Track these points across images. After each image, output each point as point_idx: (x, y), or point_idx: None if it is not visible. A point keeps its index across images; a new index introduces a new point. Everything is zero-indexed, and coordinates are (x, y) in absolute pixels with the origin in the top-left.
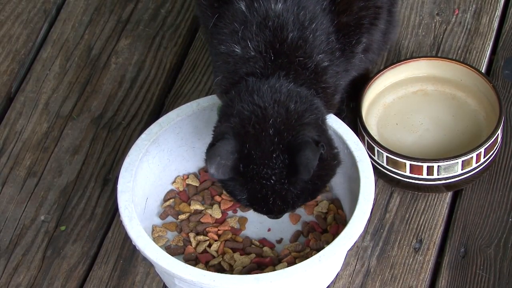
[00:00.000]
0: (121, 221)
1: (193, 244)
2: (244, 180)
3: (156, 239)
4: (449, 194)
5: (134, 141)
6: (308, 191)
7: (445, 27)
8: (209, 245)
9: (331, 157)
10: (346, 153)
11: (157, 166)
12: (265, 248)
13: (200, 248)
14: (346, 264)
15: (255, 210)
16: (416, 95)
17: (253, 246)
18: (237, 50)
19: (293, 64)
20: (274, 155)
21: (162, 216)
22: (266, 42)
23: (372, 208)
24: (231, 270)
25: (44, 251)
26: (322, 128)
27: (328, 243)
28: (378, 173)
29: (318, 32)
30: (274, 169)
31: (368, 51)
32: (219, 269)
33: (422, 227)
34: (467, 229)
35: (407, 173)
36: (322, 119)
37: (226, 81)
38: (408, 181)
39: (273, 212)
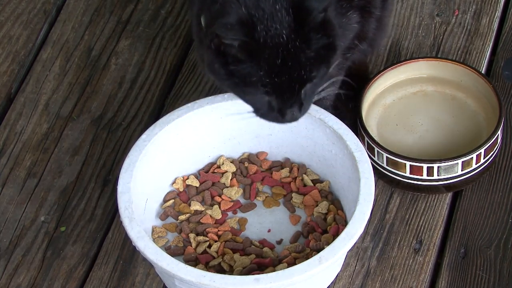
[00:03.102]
0: (121, 222)
1: (193, 244)
2: (257, 47)
3: (156, 240)
4: (449, 195)
5: (134, 141)
6: (322, 55)
7: (445, 28)
8: (209, 246)
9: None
10: (346, 154)
11: (157, 167)
12: (265, 249)
13: (200, 249)
14: (346, 264)
15: (274, 90)
16: (416, 96)
17: (253, 246)
18: None
19: None
20: (278, 7)
21: (162, 216)
22: None
23: (372, 209)
24: (231, 271)
25: (44, 252)
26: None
27: (328, 243)
28: (378, 173)
29: None
30: (282, 23)
31: (364, 39)
32: (219, 269)
33: (422, 228)
34: (467, 230)
35: (407, 174)
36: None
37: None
38: (408, 182)
39: (294, 84)
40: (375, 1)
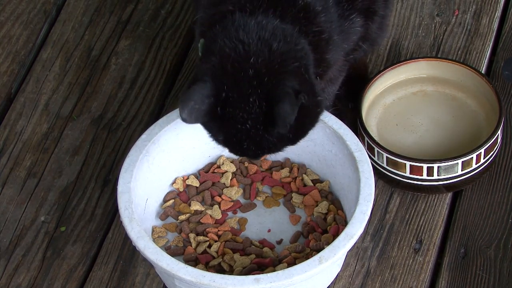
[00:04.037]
0: (121, 222)
1: (193, 244)
2: (220, 123)
3: (156, 240)
4: (449, 194)
5: (134, 141)
6: (287, 139)
7: (445, 27)
8: (209, 246)
9: (313, 105)
10: (346, 154)
11: (157, 167)
12: (265, 249)
13: (200, 249)
14: (346, 264)
15: (230, 151)
16: (416, 96)
17: (253, 246)
18: None
19: (281, 0)
20: (251, 99)
21: (162, 216)
22: None
23: (372, 209)
24: (231, 271)
25: (44, 251)
26: (304, 77)
27: (328, 243)
28: (378, 173)
29: None
30: (250, 114)
31: (367, 40)
32: (219, 269)
33: (422, 228)
34: (467, 230)
35: (407, 174)
36: (306, 67)
37: (208, 16)
38: (408, 182)
39: (248, 155)
40: (378, 0)
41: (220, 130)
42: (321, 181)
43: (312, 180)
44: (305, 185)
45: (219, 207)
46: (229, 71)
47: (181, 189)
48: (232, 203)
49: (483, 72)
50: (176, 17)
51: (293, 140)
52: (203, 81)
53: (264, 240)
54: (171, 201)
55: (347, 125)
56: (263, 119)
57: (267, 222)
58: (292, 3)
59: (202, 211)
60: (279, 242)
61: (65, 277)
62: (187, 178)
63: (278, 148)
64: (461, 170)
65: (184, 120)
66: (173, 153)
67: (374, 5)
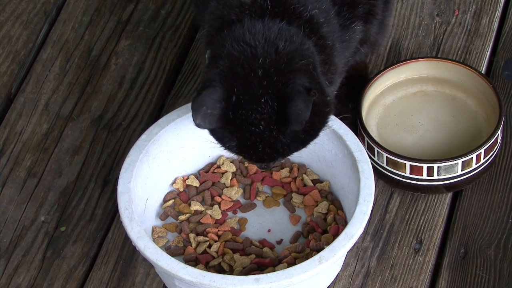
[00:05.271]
0: (121, 222)
1: (193, 244)
2: (233, 127)
3: (156, 240)
4: (449, 194)
5: (134, 141)
6: (300, 140)
7: (445, 28)
8: (209, 246)
9: (323, 104)
10: (346, 154)
11: (157, 167)
12: (265, 249)
13: (200, 249)
14: (346, 264)
15: (244, 158)
16: (416, 96)
17: (253, 246)
18: None
19: (287, 11)
20: (263, 100)
21: (162, 216)
22: None
23: (372, 209)
24: (231, 271)
25: (44, 251)
26: (313, 74)
27: (328, 243)
28: (378, 173)
29: None
30: (263, 114)
31: (366, 43)
32: (219, 269)
33: (422, 228)
34: (467, 230)
35: (407, 174)
36: (314, 65)
37: (214, 29)
38: (408, 182)
39: (263, 160)
40: (378, 3)
41: (233, 135)
42: (321, 181)
43: (312, 180)
44: (305, 185)
45: (219, 207)
46: (238, 74)
47: (181, 189)
48: (232, 203)
49: (483, 72)
50: (176, 17)
51: (305, 142)
52: (212, 86)
53: (264, 240)
54: (171, 201)
55: (347, 125)
56: (276, 119)
57: (267, 222)
58: (298, 15)
59: (202, 211)
60: (279, 242)
61: (65, 277)
62: (187, 178)
63: (291, 150)
64: (461, 170)
65: (198, 125)
66: (173, 153)
67: (374, 7)
